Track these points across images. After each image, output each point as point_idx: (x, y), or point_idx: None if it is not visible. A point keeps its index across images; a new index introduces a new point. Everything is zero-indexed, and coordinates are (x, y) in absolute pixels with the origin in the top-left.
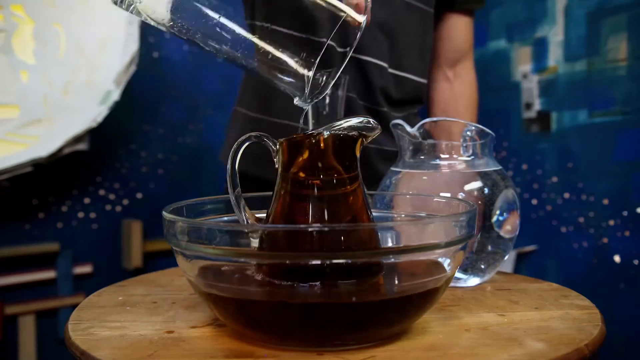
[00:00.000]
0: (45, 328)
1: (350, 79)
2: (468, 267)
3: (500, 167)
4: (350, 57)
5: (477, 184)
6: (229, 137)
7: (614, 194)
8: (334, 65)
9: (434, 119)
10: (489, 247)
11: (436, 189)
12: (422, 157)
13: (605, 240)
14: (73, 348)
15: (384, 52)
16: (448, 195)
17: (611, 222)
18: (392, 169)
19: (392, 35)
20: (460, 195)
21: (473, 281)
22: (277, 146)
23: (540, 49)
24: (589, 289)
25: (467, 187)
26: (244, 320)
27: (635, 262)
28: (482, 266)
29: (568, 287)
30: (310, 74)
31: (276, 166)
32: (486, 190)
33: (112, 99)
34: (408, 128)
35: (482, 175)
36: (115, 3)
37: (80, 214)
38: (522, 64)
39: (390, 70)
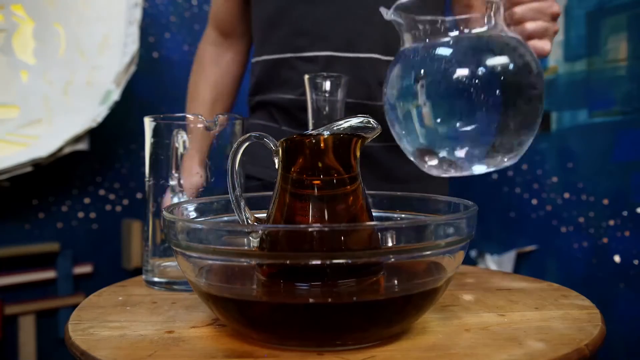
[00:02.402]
0: (45, 328)
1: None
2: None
3: (515, 35)
4: (342, 58)
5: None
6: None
7: (614, 194)
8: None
9: None
10: (512, 126)
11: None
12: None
13: (605, 240)
14: (73, 348)
15: (374, 42)
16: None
17: (611, 222)
18: (403, 48)
19: (380, 21)
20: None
21: (479, 169)
22: (277, 146)
23: None
24: (589, 289)
25: (491, 58)
26: (244, 321)
27: (635, 262)
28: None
29: (568, 287)
30: None
31: (276, 166)
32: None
33: (112, 99)
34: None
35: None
36: None
37: (80, 214)
38: None
39: (384, 58)
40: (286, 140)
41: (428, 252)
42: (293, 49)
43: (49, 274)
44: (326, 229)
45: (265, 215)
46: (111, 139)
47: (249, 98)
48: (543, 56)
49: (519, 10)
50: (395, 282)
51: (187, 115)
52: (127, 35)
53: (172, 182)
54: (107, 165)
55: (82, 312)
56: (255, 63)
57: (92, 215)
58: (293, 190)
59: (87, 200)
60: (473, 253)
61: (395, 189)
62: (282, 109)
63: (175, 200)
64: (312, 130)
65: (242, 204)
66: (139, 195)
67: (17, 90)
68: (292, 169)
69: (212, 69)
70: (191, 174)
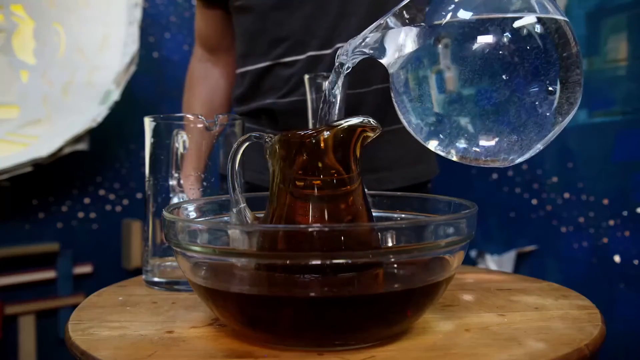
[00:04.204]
0: (45, 328)
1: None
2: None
3: None
4: (323, 55)
5: None
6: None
7: (614, 194)
8: None
9: None
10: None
11: None
12: None
13: (605, 240)
14: (73, 348)
15: (352, 34)
16: None
17: (611, 222)
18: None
19: (355, 12)
20: None
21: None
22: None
23: None
24: (589, 289)
25: None
26: (244, 320)
27: (635, 262)
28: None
29: (568, 287)
30: None
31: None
32: None
33: (112, 99)
34: None
35: None
36: None
37: (80, 214)
38: None
39: None
40: (286, 139)
41: (428, 252)
42: (274, 56)
43: (49, 274)
44: (326, 229)
45: (265, 215)
46: (111, 139)
47: (235, 109)
48: None
49: None
50: (396, 282)
51: (187, 115)
52: (127, 35)
53: (172, 182)
54: (107, 165)
55: (82, 312)
56: (239, 74)
57: (92, 215)
58: (293, 190)
59: (87, 200)
60: (473, 253)
61: (380, 177)
62: (269, 116)
63: (175, 200)
64: (312, 129)
65: (242, 204)
66: (139, 195)
67: (17, 90)
68: (292, 169)
69: (202, 86)
70: (188, 174)
